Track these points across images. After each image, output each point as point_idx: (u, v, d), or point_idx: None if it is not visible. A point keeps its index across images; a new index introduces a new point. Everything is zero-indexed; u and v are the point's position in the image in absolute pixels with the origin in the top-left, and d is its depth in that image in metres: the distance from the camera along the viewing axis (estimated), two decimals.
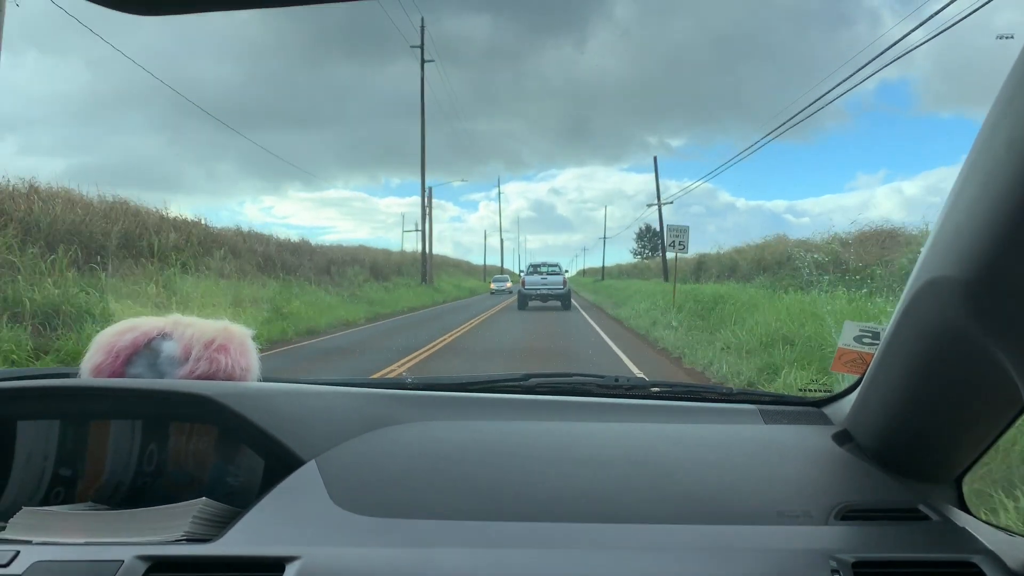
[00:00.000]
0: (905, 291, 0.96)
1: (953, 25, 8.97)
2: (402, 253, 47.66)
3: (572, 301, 26.46)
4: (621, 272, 65.37)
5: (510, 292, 42.16)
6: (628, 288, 32.49)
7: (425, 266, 40.59)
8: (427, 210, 40.94)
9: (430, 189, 41.06)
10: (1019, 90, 0.67)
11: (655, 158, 34.40)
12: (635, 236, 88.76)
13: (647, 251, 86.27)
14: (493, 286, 48.61)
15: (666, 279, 28.28)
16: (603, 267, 77.23)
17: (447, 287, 43.89)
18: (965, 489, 1.16)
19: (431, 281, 40.23)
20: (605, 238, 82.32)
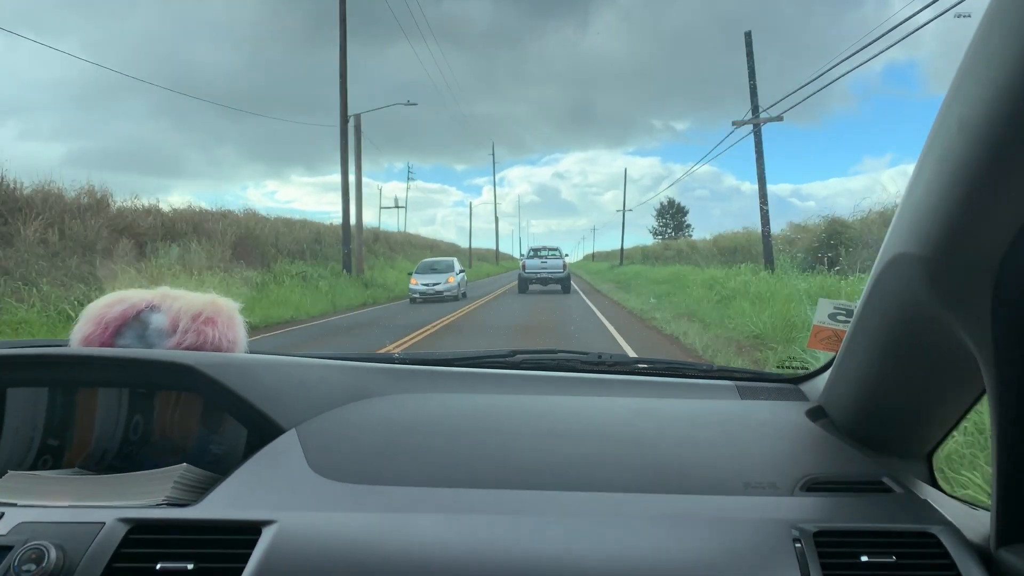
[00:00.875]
0: (873, 268, 0.97)
1: (959, 3, 8.87)
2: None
3: (590, 305, 18.86)
4: (645, 255, 51.56)
5: (459, 296, 22.21)
6: (683, 278, 21.19)
7: (348, 246, 25.07)
8: (350, 146, 24.89)
9: (355, 117, 25.58)
10: (970, 71, 0.68)
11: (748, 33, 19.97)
12: (655, 213, 78.01)
13: (669, 230, 75.94)
14: (416, 283, 22.21)
15: (770, 265, 19.02)
16: (622, 248, 60.64)
17: (388, 280, 27.22)
18: (936, 464, 1.19)
19: (360, 271, 25.97)
20: (624, 211, 62.78)
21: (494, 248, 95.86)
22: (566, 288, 25.20)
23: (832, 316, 1.26)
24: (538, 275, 25.60)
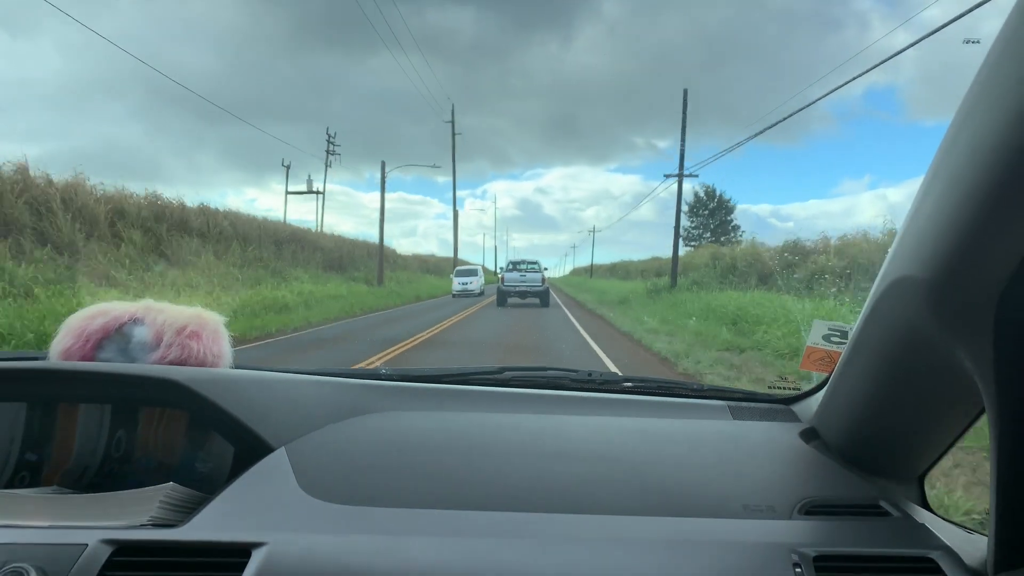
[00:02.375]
0: (872, 291, 0.97)
1: (938, 31, 9.09)
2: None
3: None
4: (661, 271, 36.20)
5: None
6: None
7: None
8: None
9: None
10: (982, 96, 0.68)
11: None
12: (687, 209, 53.87)
13: (707, 232, 53.47)
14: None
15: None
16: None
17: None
18: (927, 487, 1.19)
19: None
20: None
21: (475, 260, 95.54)
22: (545, 302, 25.53)
23: (826, 337, 1.26)
24: (517, 288, 25.82)
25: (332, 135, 43.55)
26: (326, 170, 43.86)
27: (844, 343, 1.25)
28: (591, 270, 59.19)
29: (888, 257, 0.92)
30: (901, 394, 1.02)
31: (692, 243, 51.76)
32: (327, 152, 43.64)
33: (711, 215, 55.85)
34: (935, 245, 0.77)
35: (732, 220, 55.83)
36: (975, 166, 0.68)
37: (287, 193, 47.60)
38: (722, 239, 48.59)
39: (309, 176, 50.12)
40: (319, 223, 40.13)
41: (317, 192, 46.27)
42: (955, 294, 0.77)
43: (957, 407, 0.99)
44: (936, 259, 0.77)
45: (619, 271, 64.03)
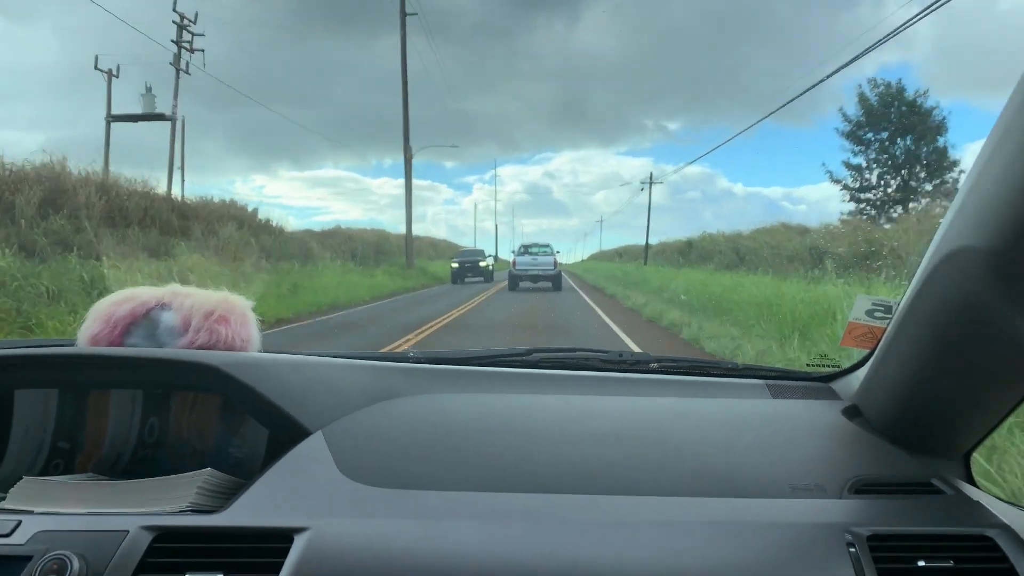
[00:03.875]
0: (923, 263, 0.94)
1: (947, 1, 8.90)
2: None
3: None
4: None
5: (486, 278, 31.75)
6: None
7: (410, 248, 31.99)
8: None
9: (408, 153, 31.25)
10: None
11: None
12: (849, 131, 30.91)
13: (891, 172, 29.33)
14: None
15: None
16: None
17: (430, 270, 34.82)
18: (972, 465, 1.16)
19: (412, 265, 31.91)
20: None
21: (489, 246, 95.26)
22: (557, 286, 25.15)
23: (869, 312, 1.23)
24: (528, 272, 25.36)
25: (185, 18, 24.77)
26: (177, 80, 24.67)
27: (888, 318, 1.22)
28: (645, 253, 42.24)
29: (942, 228, 0.89)
30: (951, 369, 0.99)
31: (867, 208, 27.61)
32: (178, 46, 24.55)
33: (898, 135, 28.82)
34: (1001, 214, 0.74)
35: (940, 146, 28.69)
36: None
37: (109, 118, 26.72)
38: (925, 185, 25.82)
39: (147, 87, 26.85)
40: (171, 169, 24.79)
41: (163, 117, 25.99)
42: (1020, 264, 0.75)
43: (1011, 382, 0.96)
44: (1001, 228, 0.75)
45: (627, 254, 61.73)
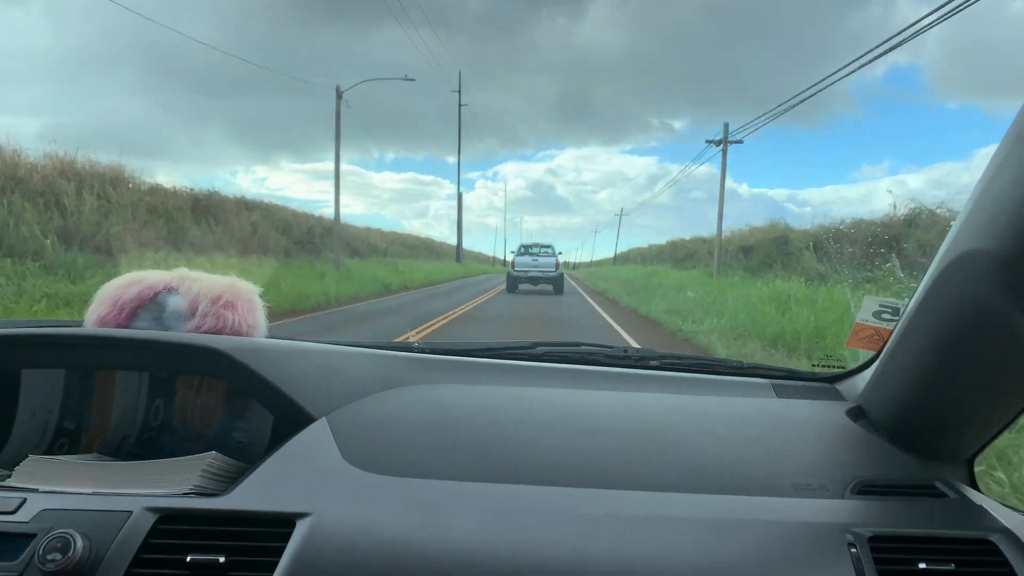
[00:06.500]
0: (932, 266, 0.94)
1: (964, 6, 8.83)
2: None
3: None
4: None
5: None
6: None
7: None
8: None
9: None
10: None
11: None
12: None
13: None
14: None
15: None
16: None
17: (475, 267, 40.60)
18: (976, 469, 1.16)
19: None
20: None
21: (487, 250, 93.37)
22: (558, 289, 23.76)
23: (876, 314, 1.22)
24: (528, 274, 23.94)
25: None
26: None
27: (895, 320, 1.21)
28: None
29: (952, 232, 0.88)
30: (958, 373, 0.98)
31: None
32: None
33: None
34: (1012, 217, 0.74)
35: None
36: None
37: None
38: None
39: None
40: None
41: None
42: None
43: (1017, 389, 0.96)
44: (1013, 232, 0.74)
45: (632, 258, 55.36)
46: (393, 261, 33.44)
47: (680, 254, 37.68)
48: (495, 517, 0.91)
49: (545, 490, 0.97)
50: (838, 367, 1.44)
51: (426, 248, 54.08)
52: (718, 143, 22.70)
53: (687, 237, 40.04)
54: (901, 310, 1.20)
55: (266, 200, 27.55)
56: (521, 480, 0.99)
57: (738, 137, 23.21)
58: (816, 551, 0.87)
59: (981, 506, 0.98)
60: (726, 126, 22.58)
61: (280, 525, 0.87)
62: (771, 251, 24.33)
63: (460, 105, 43.86)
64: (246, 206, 24.79)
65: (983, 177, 0.82)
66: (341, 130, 24.14)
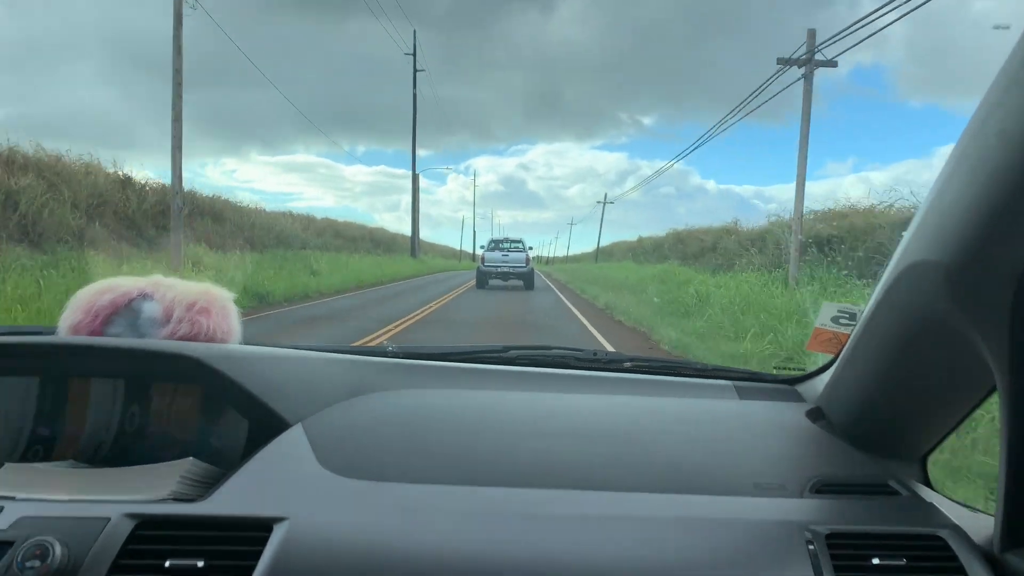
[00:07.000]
0: (885, 274, 0.99)
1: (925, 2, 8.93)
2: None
3: None
4: None
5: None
6: None
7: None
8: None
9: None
10: (1015, 81, 0.69)
11: None
12: None
13: None
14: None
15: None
16: None
17: (434, 264, 38.23)
18: (929, 467, 1.21)
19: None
20: None
21: (459, 245, 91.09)
22: (529, 284, 23.44)
23: (835, 319, 1.27)
24: (498, 269, 23.56)
25: None
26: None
27: (853, 325, 1.26)
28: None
29: (904, 241, 0.93)
30: (911, 376, 1.03)
31: None
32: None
33: None
34: (957, 230, 0.78)
35: None
36: (1005, 150, 0.68)
37: None
38: None
39: None
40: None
41: None
42: (975, 278, 0.78)
43: (966, 389, 1.01)
44: (957, 243, 0.78)
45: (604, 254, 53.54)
46: (312, 255, 25.51)
47: (692, 249, 30.11)
48: (471, 520, 0.94)
49: (517, 492, 1.00)
50: (798, 369, 1.49)
51: (371, 240, 44.84)
52: (800, 63, 15.04)
53: (699, 226, 31.74)
54: (858, 315, 1.25)
55: (66, 158, 18.18)
56: (494, 483, 1.02)
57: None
58: (776, 548, 0.92)
59: (931, 503, 1.03)
60: (811, 32, 15.04)
61: (257, 530, 0.89)
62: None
63: (416, 71, 41.26)
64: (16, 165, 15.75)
65: (932, 188, 0.86)
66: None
